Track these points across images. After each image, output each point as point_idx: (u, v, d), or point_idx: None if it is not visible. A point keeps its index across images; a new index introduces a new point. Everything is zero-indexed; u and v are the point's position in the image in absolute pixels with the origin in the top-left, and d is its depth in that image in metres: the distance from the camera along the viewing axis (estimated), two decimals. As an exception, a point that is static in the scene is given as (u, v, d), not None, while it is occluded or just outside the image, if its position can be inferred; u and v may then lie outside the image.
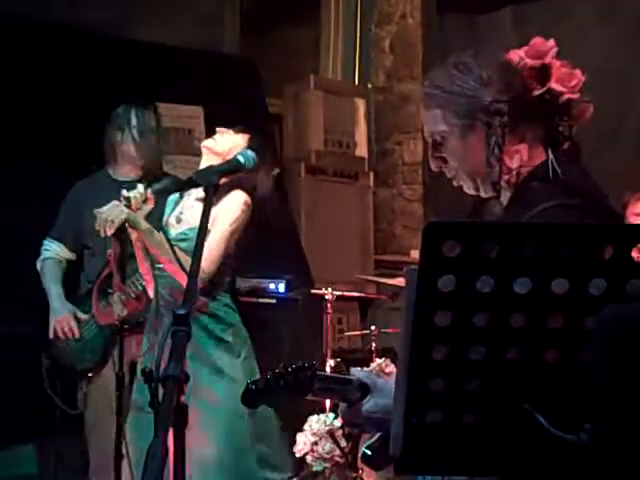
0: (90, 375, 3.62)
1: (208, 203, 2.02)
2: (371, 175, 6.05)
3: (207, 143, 3.20)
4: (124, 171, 3.77)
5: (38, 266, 3.79)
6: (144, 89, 4.01)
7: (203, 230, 1.89)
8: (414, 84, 5.81)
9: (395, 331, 4.38)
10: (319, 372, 1.76)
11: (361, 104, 6.09)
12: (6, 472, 4.13)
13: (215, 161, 2.99)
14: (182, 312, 1.54)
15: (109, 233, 2.98)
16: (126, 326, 3.26)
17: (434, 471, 1.39)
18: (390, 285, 4.52)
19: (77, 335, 3.64)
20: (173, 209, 3.26)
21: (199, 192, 3.07)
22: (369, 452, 1.73)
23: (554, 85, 1.75)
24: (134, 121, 3.73)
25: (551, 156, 1.70)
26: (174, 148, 5.12)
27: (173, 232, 3.15)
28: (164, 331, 1.53)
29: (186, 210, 3.20)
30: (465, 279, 1.23)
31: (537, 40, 1.79)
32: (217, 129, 3.23)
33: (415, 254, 5.24)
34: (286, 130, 6.03)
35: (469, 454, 1.31)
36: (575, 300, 1.24)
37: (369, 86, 6.24)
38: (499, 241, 1.22)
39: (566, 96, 1.75)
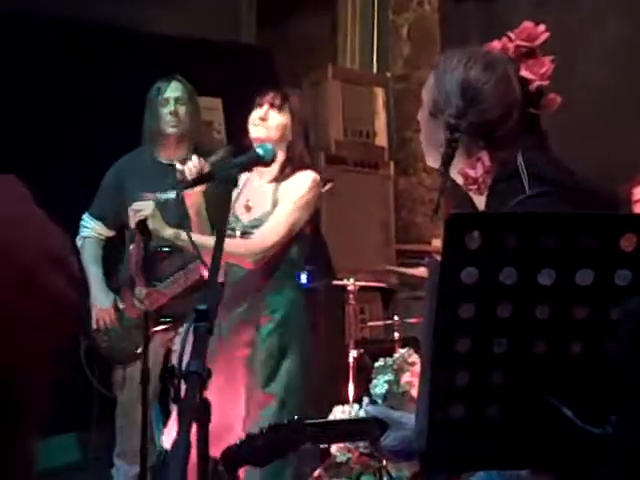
0: (127, 363, 3.62)
1: (229, 196, 2.02)
2: (391, 164, 6.02)
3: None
4: (167, 153, 3.69)
5: (78, 243, 3.71)
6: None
7: (224, 222, 1.89)
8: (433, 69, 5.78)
9: (418, 321, 4.37)
10: (321, 421, 1.77)
11: (380, 93, 6.06)
12: (49, 462, 4.16)
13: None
14: (203, 307, 1.54)
15: (132, 225, 2.97)
16: (164, 320, 3.27)
17: (459, 465, 1.38)
18: (412, 275, 4.50)
19: (116, 325, 3.65)
20: (237, 198, 3.14)
21: (264, 176, 3.05)
22: None
23: (524, 73, 1.72)
24: (163, 94, 3.67)
25: (519, 158, 1.67)
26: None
27: (245, 220, 3.06)
28: (186, 327, 1.53)
29: (254, 196, 3.10)
30: (488, 271, 1.22)
31: (527, 24, 1.76)
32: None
33: (436, 243, 5.22)
34: (305, 120, 6.01)
35: (494, 447, 1.31)
36: (600, 291, 1.23)
37: (388, 75, 6.21)
38: (521, 232, 1.21)
39: (536, 83, 1.72)
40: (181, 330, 3.58)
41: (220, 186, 2.50)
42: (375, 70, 6.30)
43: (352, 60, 6.30)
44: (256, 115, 3.04)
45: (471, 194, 1.76)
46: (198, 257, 2.92)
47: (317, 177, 3.05)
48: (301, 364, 3.01)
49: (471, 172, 1.70)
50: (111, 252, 3.78)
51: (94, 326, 3.66)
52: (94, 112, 4.57)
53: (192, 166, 2.87)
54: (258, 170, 3.03)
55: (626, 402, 1.15)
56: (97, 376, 3.61)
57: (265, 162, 2.54)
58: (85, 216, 3.76)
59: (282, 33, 6.09)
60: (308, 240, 3.11)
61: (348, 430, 1.79)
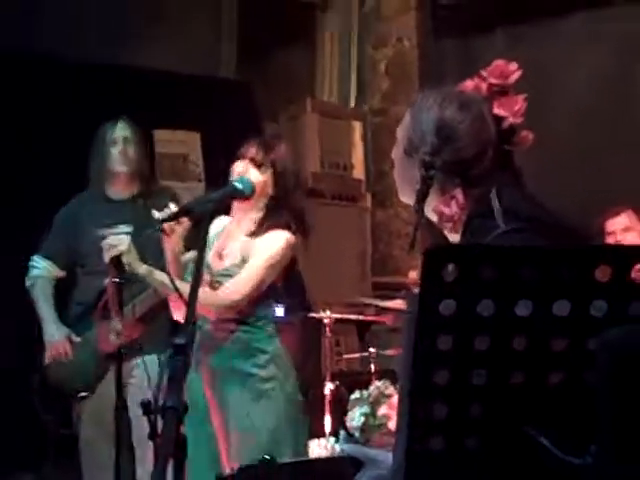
0: (81, 396, 3.59)
1: (205, 232, 2.02)
2: (368, 197, 6.05)
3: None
4: (118, 190, 3.74)
5: (28, 283, 3.75)
6: (140, 115, 4.01)
7: (200, 259, 1.89)
8: (410, 105, 5.83)
9: (394, 353, 4.37)
10: (304, 459, 1.76)
11: (357, 126, 6.10)
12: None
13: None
14: (180, 342, 1.53)
15: (106, 259, 2.96)
16: (124, 351, 3.25)
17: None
18: (389, 308, 4.50)
19: (71, 358, 3.62)
20: (213, 245, 3.13)
21: (242, 228, 3.03)
22: None
23: (497, 110, 1.74)
24: (111, 134, 3.72)
25: (493, 195, 1.68)
26: (170, 174, 5.12)
27: (214, 268, 3.05)
28: (163, 362, 1.52)
29: (228, 246, 3.08)
30: (466, 303, 1.22)
31: (499, 62, 1.79)
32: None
33: (413, 275, 5.24)
34: (283, 153, 6.03)
35: (474, 479, 1.30)
36: (577, 322, 1.23)
37: (365, 108, 6.26)
38: (497, 264, 1.22)
39: (509, 121, 1.74)
40: (136, 362, 3.56)
41: (197, 228, 2.52)
42: (353, 104, 6.35)
43: (330, 94, 6.35)
44: (236, 169, 3.00)
45: (445, 232, 1.77)
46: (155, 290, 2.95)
47: (291, 238, 3.02)
48: (282, 410, 2.99)
49: (446, 210, 1.71)
50: (61, 292, 3.80)
51: (47, 361, 3.63)
52: (67, 142, 4.55)
53: (171, 214, 2.84)
54: (238, 222, 3.03)
55: (605, 432, 1.15)
56: (53, 413, 3.58)
57: (243, 196, 2.54)
58: (35, 257, 3.79)
59: (261, 67, 6.13)
60: (280, 289, 3.11)
61: (322, 469, 1.79)
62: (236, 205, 3.03)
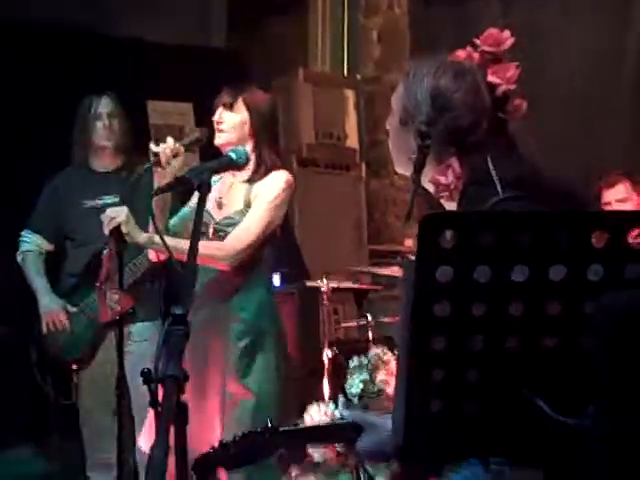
0: (77, 367, 3.62)
1: (202, 201, 2.02)
2: (363, 166, 6.05)
3: None
4: (103, 162, 3.77)
5: (19, 259, 3.78)
6: (133, 87, 4.01)
7: (197, 226, 1.89)
8: (402, 74, 5.80)
9: (391, 320, 4.39)
10: (295, 428, 1.78)
11: (350, 95, 6.09)
12: (8, 472, 4.13)
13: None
14: (180, 312, 1.54)
15: (106, 231, 2.96)
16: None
17: (437, 459, 1.40)
18: (385, 275, 4.52)
19: (67, 328, 3.64)
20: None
21: (237, 176, 3.02)
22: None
23: (490, 78, 1.75)
24: (96, 108, 3.73)
25: (490, 163, 1.69)
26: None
27: (217, 217, 3.05)
28: (162, 331, 1.53)
29: (226, 193, 3.08)
30: (462, 270, 1.23)
31: (492, 30, 1.79)
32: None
33: (409, 243, 5.25)
34: (276, 123, 6.01)
35: (471, 442, 1.32)
36: (573, 286, 1.25)
37: (358, 77, 6.23)
38: (495, 230, 1.23)
39: (503, 87, 1.75)
40: (132, 330, 3.58)
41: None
42: (345, 73, 6.33)
43: (323, 63, 6.32)
44: (214, 119, 3.02)
45: (442, 201, 1.78)
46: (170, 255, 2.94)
47: (290, 177, 3.03)
48: (275, 366, 3.00)
49: (442, 179, 1.72)
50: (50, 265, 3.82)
51: (44, 330, 3.65)
52: (60, 115, 4.53)
53: (167, 147, 2.85)
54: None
55: (603, 394, 1.17)
56: (51, 383, 3.61)
57: (238, 166, 2.54)
58: (24, 232, 3.81)
59: (253, 37, 6.09)
60: (278, 241, 3.11)
61: (323, 435, 1.81)
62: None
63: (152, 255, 3.08)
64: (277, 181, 3.00)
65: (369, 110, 6.14)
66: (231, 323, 2.98)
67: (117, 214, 2.90)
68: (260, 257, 3.04)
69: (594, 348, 1.21)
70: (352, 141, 6.08)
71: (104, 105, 3.75)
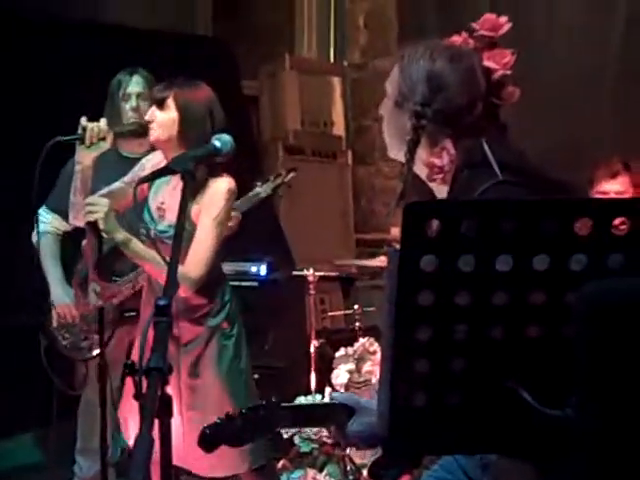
0: (87, 357, 3.58)
1: (185, 190, 2.00)
2: (349, 153, 6.04)
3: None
4: (130, 147, 3.57)
5: (34, 239, 3.58)
6: (115, 73, 3.96)
7: (182, 218, 1.87)
8: (390, 60, 5.77)
9: (378, 310, 4.39)
10: (296, 404, 1.78)
11: (337, 82, 6.07)
12: (8, 462, 4.11)
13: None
14: (163, 303, 1.53)
15: (82, 223, 2.92)
16: (129, 314, 3.25)
17: (422, 451, 1.39)
18: (371, 266, 4.52)
19: (77, 321, 3.60)
20: (156, 191, 3.05)
21: (175, 180, 2.91)
22: (375, 467, 1.75)
23: (487, 63, 1.74)
24: (125, 89, 3.55)
25: (485, 147, 1.68)
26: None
27: (159, 224, 2.98)
28: (146, 322, 1.52)
29: (168, 199, 2.99)
30: (447, 258, 1.22)
31: (489, 15, 1.79)
32: None
33: (395, 231, 5.24)
34: (263, 111, 6.00)
35: (456, 433, 1.32)
36: (556, 276, 1.24)
37: (345, 64, 6.21)
38: (479, 219, 1.22)
39: (500, 72, 1.74)
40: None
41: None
42: (332, 59, 6.31)
43: (309, 49, 6.29)
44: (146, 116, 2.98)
45: (433, 185, 1.77)
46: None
47: (231, 185, 2.89)
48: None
49: (437, 161, 1.71)
50: (69, 247, 3.73)
51: (55, 324, 3.60)
52: (49, 103, 4.50)
53: (95, 126, 2.89)
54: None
55: (584, 385, 1.16)
56: (58, 374, 3.57)
57: (224, 155, 2.48)
58: (41, 210, 3.62)
59: (239, 24, 6.06)
60: (226, 241, 3.01)
61: (321, 414, 1.81)
62: (159, 150, 2.98)
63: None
64: (219, 194, 2.87)
65: (356, 97, 6.12)
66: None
67: (97, 208, 2.84)
68: (217, 267, 2.99)
69: (574, 337, 1.20)
70: (339, 128, 6.07)
71: (134, 84, 3.55)
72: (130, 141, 3.56)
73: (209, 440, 1.77)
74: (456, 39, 1.80)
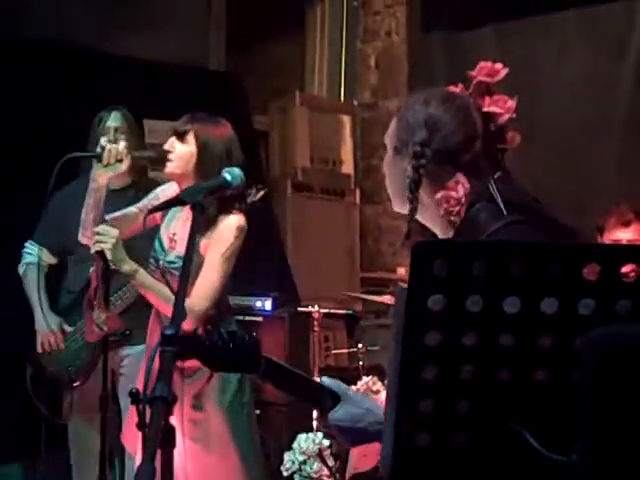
0: (75, 385, 3.58)
1: (195, 222, 2.01)
2: (357, 192, 6.06)
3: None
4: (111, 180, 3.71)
5: (20, 271, 3.73)
6: (129, 105, 4.00)
7: (190, 249, 1.88)
8: (399, 100, 5.83)
9: (382, 349, 4.38)
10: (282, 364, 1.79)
11: (347, 121, 6.11)
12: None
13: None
14: (170, 332, 1.53)
15: (92, 251, 2.94)
16: (113, 338, 3.26)
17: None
18: (377, 302, 4.51)
19: (62, 348, 3.61)
20: (170, 220, 3.07)
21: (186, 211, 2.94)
22: None
23: (491, 108, 1.76)
24: (103, 124, 3.67)
25: (492, 187, 1.70)
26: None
27: (168, 253, 3.00)
28: (152, 352, 1.52)
29: (179, 230, 2.99)
30: (454, 299, 1.22)
31: (484, 63, 1.82)
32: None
33: (401, 271, 5.24)
34: (272, 147, 6.04)
35: (459, 474, 1.31)
36: (565, 320, 1.24)
37: (355, 103, 6.26)
38: (487, 260, 1.22)
39: (506, 116, 1.76)
40: (127, 352, 3.55)
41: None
42: (342, 98, 6.35)
43: (320, 87, 6.34)
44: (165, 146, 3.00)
45: (436, 231, 1.78)
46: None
47: (242, 223, 2.91)
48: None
49: (453, 193, 1.72)
50: (52, 279, 3.78)
51: (39, 350, 3.62)
52: (58, 135, 4.53)
53: (114, 148, 2.99)
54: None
55: (590, 430, 1.16)
56: (44, 402, 3.57)
57: (234, 188, 2.49)
58: (28, 243, 3.75)
59: (251, 59, 6.11)
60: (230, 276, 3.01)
61: (306, 390, 1.80)
62: (174, 182, 3.00)
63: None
64: (228, 230, 2.88)
65: (365, 136, 6.16)
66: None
67: (105, 238, 2.87)
68: (223, 301, 3.00)
69: (581, 382, 1.20)
70: (347, 167, 6.10)
71: (113, 119, 3.68)
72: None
73: (186, 347, 1.68)
74: (453, 89, 1.83)
